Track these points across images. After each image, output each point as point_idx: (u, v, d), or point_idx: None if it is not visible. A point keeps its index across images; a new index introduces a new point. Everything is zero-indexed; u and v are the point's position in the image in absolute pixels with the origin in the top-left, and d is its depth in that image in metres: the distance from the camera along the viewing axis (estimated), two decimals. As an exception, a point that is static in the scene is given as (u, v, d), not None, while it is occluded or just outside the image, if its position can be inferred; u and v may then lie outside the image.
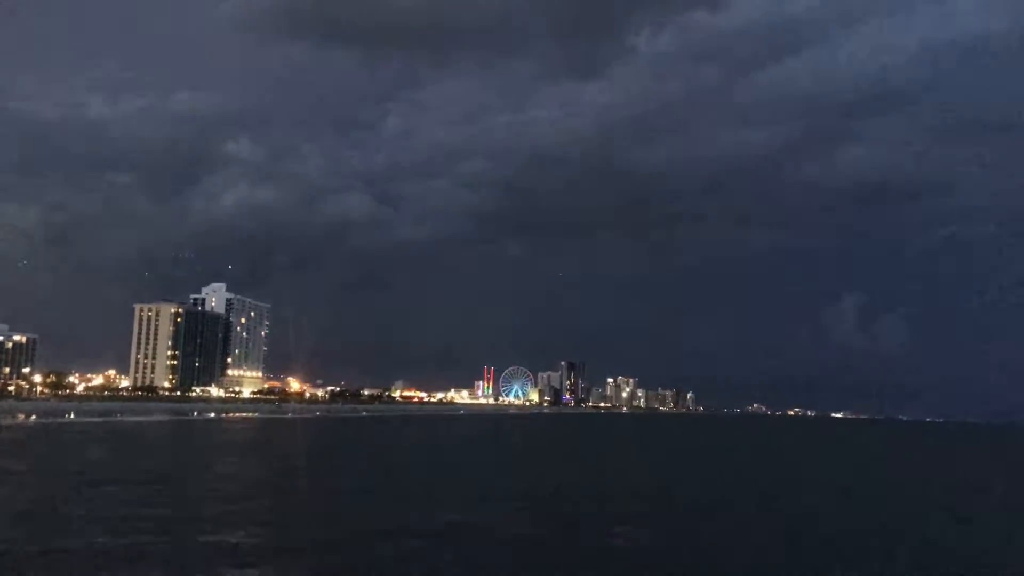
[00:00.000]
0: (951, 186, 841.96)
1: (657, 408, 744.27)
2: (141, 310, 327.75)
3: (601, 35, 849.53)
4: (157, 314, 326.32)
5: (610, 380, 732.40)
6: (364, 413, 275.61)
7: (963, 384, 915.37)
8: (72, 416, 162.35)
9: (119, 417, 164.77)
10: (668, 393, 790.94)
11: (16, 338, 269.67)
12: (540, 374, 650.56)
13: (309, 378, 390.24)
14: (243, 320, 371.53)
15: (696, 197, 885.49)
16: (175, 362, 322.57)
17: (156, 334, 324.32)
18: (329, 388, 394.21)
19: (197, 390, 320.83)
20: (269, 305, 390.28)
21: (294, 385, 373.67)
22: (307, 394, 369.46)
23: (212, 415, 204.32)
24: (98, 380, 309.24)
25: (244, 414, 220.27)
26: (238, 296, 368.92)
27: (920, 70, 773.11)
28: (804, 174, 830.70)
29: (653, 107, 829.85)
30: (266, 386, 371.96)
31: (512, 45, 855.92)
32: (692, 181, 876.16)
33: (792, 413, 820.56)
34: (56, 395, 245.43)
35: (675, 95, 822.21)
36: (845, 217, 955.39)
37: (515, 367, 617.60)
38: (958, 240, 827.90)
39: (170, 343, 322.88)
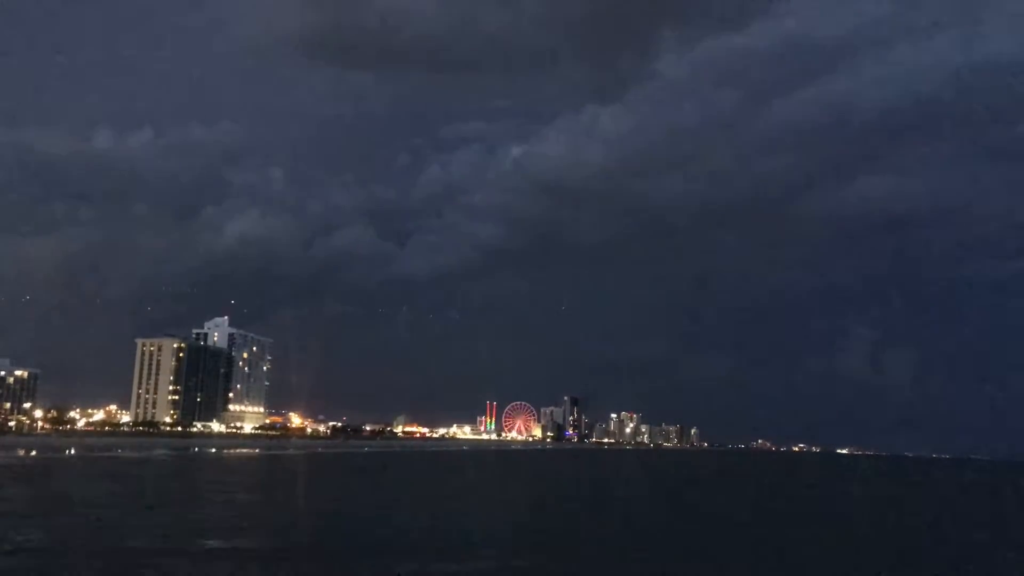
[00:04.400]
0: (971, 217, 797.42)
1: (661, 444, 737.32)
2: (143, 345, 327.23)
3: (623, 58, 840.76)
4: (159, 349, 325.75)
5: (613, 415, 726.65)
6: (367, 449, 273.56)
7: (969, 421, 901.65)
8: (72, 452, 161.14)
9: (119, 452, 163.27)
10: (672, 429, 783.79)
11: (17, 373, 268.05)
12: (543, 409, 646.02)
13: (311, 413, 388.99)
14: (245, 355, 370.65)
15: (706, 229, 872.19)
16: (177, 397, 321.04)
17: (158, 369, 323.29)
18: (331, 423, 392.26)
19: (199, 425, 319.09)
20: (271, 340, 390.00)
21: (296, 420, 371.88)
22: (308, 430, 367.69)
23: (212, 450, 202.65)
24: (99, 415, 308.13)
25: (244, 450, 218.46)
26: (240, 330, 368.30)
27: (947, 95, 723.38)
28: (819, 204, 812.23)
29: (670, 134, 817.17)
30: (268, 421, 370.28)
31: (531, 70, 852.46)
32: (702, 212, 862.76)
33: (797, 449, 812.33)
34: (57, 430, 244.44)
35: (692, 121, 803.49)
36: (857, 249, 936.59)
37: (518, 402, 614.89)
38: (973, 274, 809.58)
39: (172, 378, 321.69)
